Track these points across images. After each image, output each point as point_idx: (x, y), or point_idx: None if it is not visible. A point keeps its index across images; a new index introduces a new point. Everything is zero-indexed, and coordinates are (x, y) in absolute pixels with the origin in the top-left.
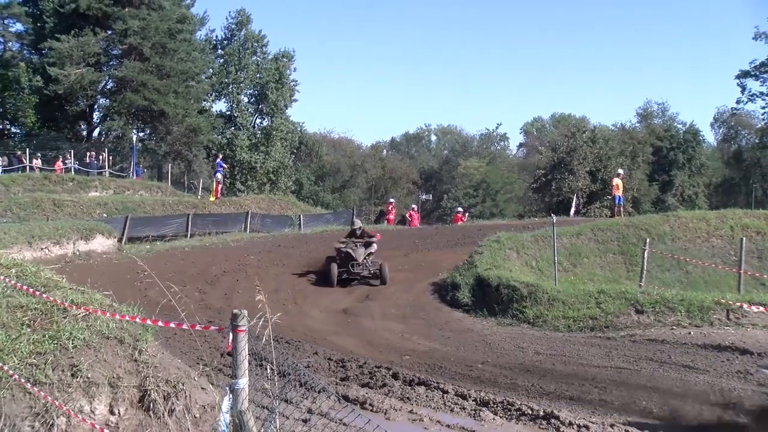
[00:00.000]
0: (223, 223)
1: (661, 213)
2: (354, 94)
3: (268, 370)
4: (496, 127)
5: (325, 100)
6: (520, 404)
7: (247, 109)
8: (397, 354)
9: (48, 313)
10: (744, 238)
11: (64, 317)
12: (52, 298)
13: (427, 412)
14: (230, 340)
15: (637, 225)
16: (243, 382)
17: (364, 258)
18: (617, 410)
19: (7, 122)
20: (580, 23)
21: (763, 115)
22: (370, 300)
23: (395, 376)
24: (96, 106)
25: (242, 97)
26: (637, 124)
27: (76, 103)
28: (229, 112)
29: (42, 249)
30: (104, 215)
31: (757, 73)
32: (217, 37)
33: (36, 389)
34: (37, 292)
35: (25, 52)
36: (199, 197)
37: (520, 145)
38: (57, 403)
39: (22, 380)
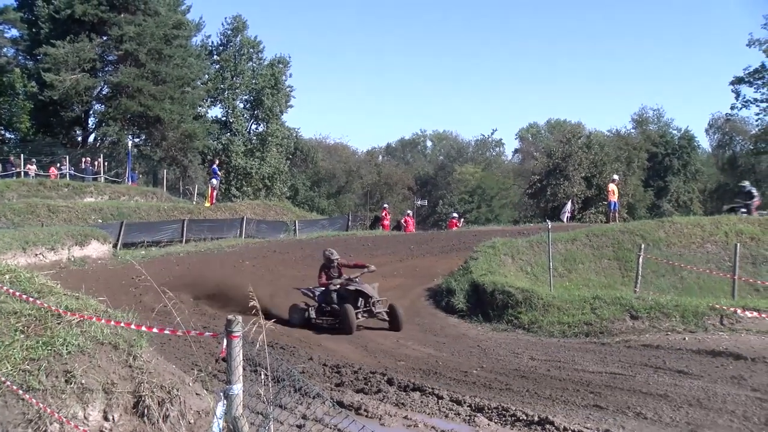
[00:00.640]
0: (219, 229)
1: (656, 219)
2: (350, 99)
3: (263, 376)
4: (492, 133)
5: (320, 106)
6: (515, 410)
7: (243, 115)
8: (392, 360)
9: (42, 319)
10: (738, 244)
11: (59, 323)
12: (46, 304)
13: (421, 417)
14: (224, 346)
15: (632, 231)
16: (237, 388)
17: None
18: (612, 415)
19: (2, 128)
20: (576, 30)
21: (757, 121)
22: None
23: (390, 382)
24: (91, 112)
25: (238, 102)
26: (633, 130)
27: (71, 108)
28: (224, 118)
29: (36, 255)
30: (99, 221)
31: (751, 80)
32: (212, 43)
33: (29, 396)
34: (31, 299)
35: (20, 57)
36: (194, 203)
37: (516, 151)
38: (50, 409)
39: (15, 387)
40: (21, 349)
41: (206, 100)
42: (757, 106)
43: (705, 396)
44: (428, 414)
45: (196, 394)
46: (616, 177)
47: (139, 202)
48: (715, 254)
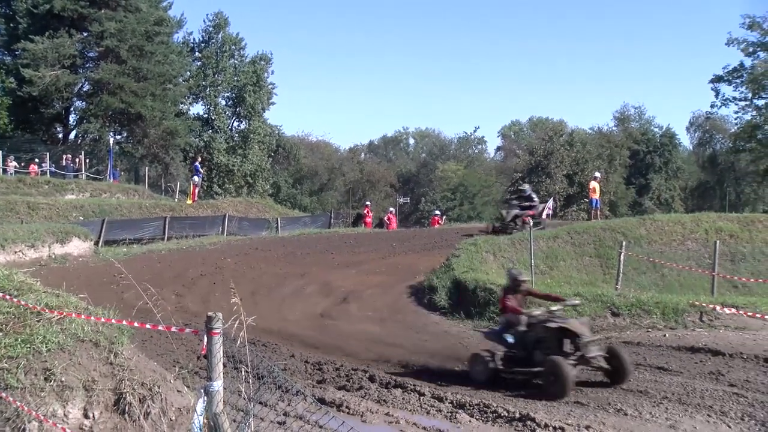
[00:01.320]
0: (201, 226)
1: (637, 216)
2: (332, 97)
3: (244, 373)
4: (474, 131)
5: (303, 104)
6: (496, 406)
7: (225, 112)
8: (374, 356)
9: (21, 317)
10: (717, 241)
11: (38, 321)
12: (24, 302)
13: (403, 414)
14: (205, 343)
15: (614, 228)
16: (218, 385)
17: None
18: (593, 412)
19: None
20: (558, 28)
21: (736, 119)
22: (347, 303)
23: (372, 379)
24: (72, 109)
25: (220, 99)
26: (615, 128)
27: (51, 105)
28: (206, 115)
29: (16, 252)
30: (80, 218)
31: (730, 78)
32: (194, 39)
33: (6, 394)
34: (9, 296)
35: None
36: (176, 200)
37: (498, 149)
38: (28, 408)
39: None
40: None
41: (188, 97)
42: (736, 104)
43: (684, 392)
44: (410, 411)
45: (177, 391)
46: (598, 174)
47: (120, 199)
48: (696, 251)
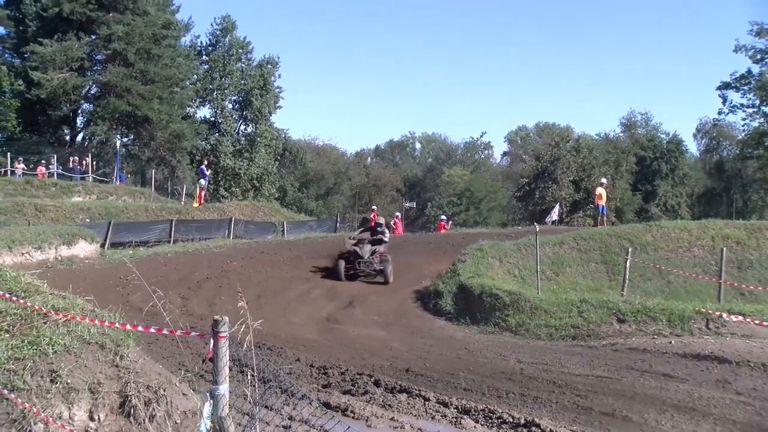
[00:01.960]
0: (207, 230)
1: (643, 223)
2: (339, 101)
3: (249, 377)
4: (481, 136)
5: (309, 108)
6: (501, 412)
7: (232, 116)
8: (379, 360)
9: (28, 319)
10: (724, 248)
11: (45, 323)
12: (31, 304)
13: (408, 419)
14: (211, 346)
15: (620, 234)
16: (224, 388)
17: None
18: (598, 418)
19: None
20: (566, 33)
21: (743, 126)
22: (352, 307)
23: (377, 384)
24: (79, 111)
25: (226, 103)
26: (621, 134)
27: (59, 107)
28: (213, 119)
29: (23, 254)
30: (87, 220)
31: (738, 85)
32: (201, 43)
33: (13, 396)
34: (16, 298)
35: (6, 55)
36: (182, 203)
37: (504, 154)
38: (35, 409)
39: None
40: (6, 349)
41: (195, 101)
42: (744, 111)
43: (690, 399)
44: (415, 416)
45: (183, 394)
46: (604, 180)
47: (127, 201)
48: (702, 258)
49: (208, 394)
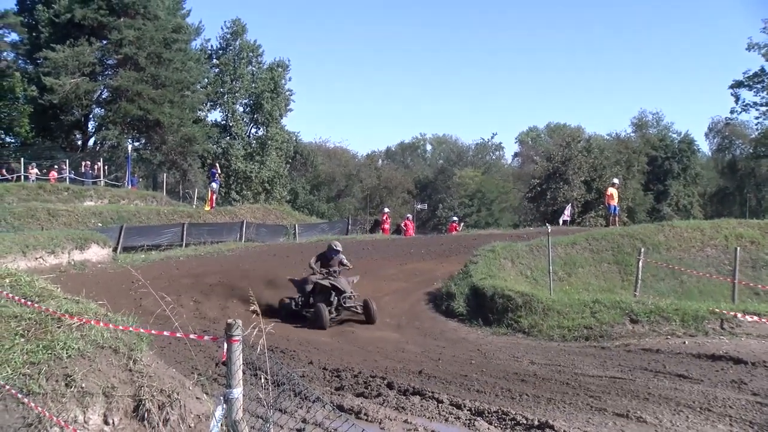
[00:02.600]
0: (218, 233)
1: (656, 222)
2: (350, 103)
3: (263, 380)
4: (492, 137)
5: (320, 110)
6: (515, 414)
7: (243, 119)
8: (391, 363)
9: (42, 323)
10: (738, 248)
11: (59, 327)
12: (46, 308)
13: (421, 421)
14: (224, 350)
15: (632, 234)
16: (237, 392)
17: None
18: (612, 419)
19: (2, 132)
20: (576, 33)
21: (756, 125)
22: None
23: (390, 386)
24: (91, 116)
25: (237, 106)
26: (632, 134)
27: (71, 112)
28: (224, 122)
29: (37, 258)
30: (99, 225)
31: (751, 84)
32: (212, 46)
33: (29, 400)
34: (31, 302)
35: (20, 61)
36: (194, 207)
37: (516, 155)
38: (50, 413)
39: (15, 391)
40: (21, 353)
41: (206, 104)
42: (757, 109)
43: (705, 400)
44: (428, 418)
45: (196, 398)
46: (616, 181)
47: (138, 205)
48: (715, 258)
49: (221, 398)
